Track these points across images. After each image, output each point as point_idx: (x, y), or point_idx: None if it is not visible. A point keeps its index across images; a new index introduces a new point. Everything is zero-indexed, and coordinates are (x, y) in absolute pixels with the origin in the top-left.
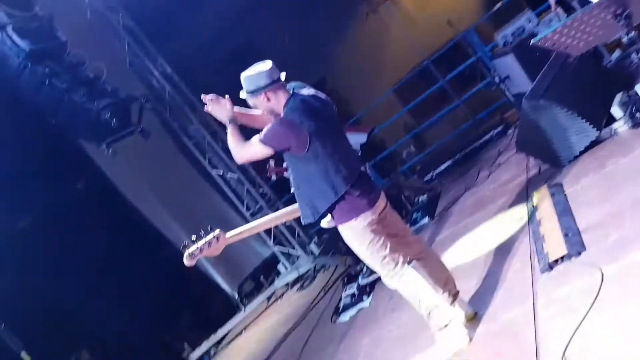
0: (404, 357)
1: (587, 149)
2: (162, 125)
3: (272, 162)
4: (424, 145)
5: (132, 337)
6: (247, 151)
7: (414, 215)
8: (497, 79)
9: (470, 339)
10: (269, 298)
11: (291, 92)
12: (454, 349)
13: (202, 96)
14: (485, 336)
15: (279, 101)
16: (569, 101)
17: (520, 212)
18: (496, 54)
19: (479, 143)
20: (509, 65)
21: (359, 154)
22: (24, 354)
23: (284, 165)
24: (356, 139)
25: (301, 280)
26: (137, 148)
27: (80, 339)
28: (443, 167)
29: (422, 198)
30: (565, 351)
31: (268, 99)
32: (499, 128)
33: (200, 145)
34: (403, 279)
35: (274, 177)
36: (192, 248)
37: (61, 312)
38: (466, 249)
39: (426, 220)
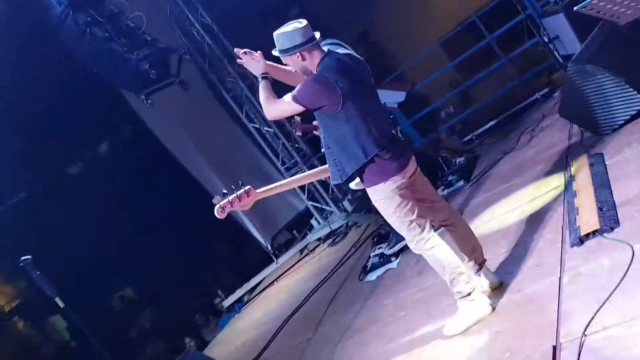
0: (426, 321)
1: (632, 118)
2: (200, 77)
3: (297, 118)
4: (466, 104)
5: (171, 278)
6: (278, 108)
7: (450, 178)
8: (545, 39)
9: (493, 309)
10: (301, 251)
11: (326, 51)
12: (475, 318)
13: (236, 50)
14: (508, 306)
15: (312, 60)
16: (616, 67)
17: (557, 181)
18: (546, 12)
19: (523, 105)
20: (559, 25)
21: (393, 116)
22: (58, 300)
23: (314, 123)
24: (394, 97)
25: (333, 236)
26: (176, 99)
27: (124, 278)
28: (484, 128)
29: (460, 160)
30: (586, 329)
31: (302, 58)
32: (545, 90)
33: (238, 98)
34: (428, 245)
35: (299, 133)
36: (223, 201)
37: (107, 253)
38: (499, 216)
39: (462, 183)
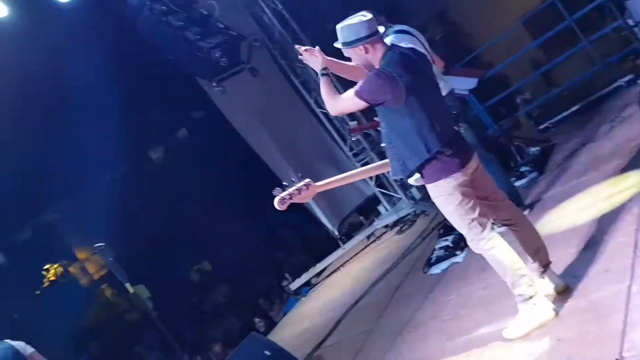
0: (487, 321)
1: None
2: (271, 63)
3: (352, 123)
4: (544, 89)
5: (244, 258)
6: (340, 104)
7: (523, 169)
8: (630, 22)
9: (556, 314)
10: (368, 237)
11: (389, 44)
12: (537, 323)
13: (296, 47)
14: (571, 312)
15: (376, 54)
16: None
17: (635, 179)
18: None
19: (605, 92)
20: None
21: (455, 111)
22: (129, 286)
23: (375, 119)
24: (465, 83)
25: (400, 224)
26: (247, 85)
27: (202, 252)
28: (561, 115)
29: (534, 150)
30: None
31: (366, 51)
32: (629, 77)
33: (308, 84)
34: (489, 245)
35: (358, 136)
36: (283, 194)
37: (186, 230)
38: (570, 214)
39: (535, 175)
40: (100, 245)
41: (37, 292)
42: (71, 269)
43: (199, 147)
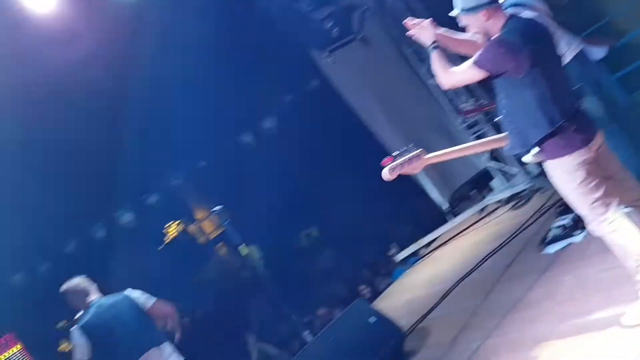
0: (604, 305)
1: None
2: (382, 33)
3: (463, 105)
4: None
5: (351, 225)
6: (454, 77)
7: None
8: None
9: None
10: (479, 212)
11: (509, 15)
12: None
13: (404, 22)
14: None
15: (496, 22)
16: None
17: None
18: None
19: None
20: None
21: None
22: (242, 248)
23: (496, 90)
24: (594, 53)
25: (515, 200)
26: (358, 55)
27: (311, 218)
28: None
29: None
30: None
31: (487, 18)
32: None
33: (419, 54)
34: (611, 227)
35: (467, 118)
36: (393, 164)
37: (295, 196)
38: None
39: None
40: (218, 208)
41: (159, 248)
42: (190, 228)
43: (308, 117)
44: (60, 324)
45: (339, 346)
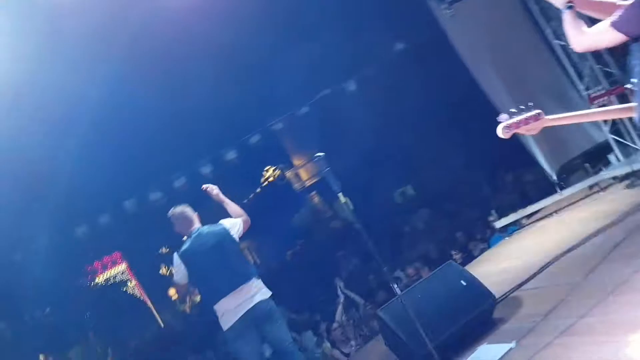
0: None
1: None
2: None
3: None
4: None
5: (450, 186)
6: (589, 38)
7: None
8: None
9: None
10: (590, 187)
11: None
12: None
13: None
14: None
15: None
16: None
17: None
18: None
19: None
20: None
21: None
22: (341, 196)
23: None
24: None
25: (632, 177)
26: (479, 10)
27: (408, 176)
28: None
29: None
30: None
31: None
32: None
33: (547, 12)
34: None
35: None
36: (509, 121)
37: (394, 151)
38: None
39: None
40: (319, 155)
41: (257, 189)
42: (287, 174)
43: (417, 68)
44: (163, 250)
45: (426, 304)
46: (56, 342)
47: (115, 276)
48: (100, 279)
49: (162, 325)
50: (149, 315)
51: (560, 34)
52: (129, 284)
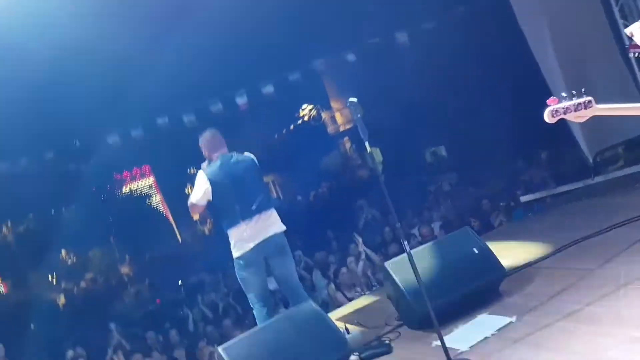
0: None
1: None
2: None
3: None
4: None
5: (482, 152)
6: None
7: None
8: None
9: None
10: (627, 177)
11: None
12: None
13: None
14: None
15: None
16: None
17: None
18: None
19: None
20: None
21: None
22: (367, 145)
23: None
24: None
25: None
26: None
27: (443, 136)
28: None
29: None
30: None
31: None
32: None
33: None
34: None
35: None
36: (558, 105)
37: (433, 108)
38: None
39: None
40: (352, 101)
41: (291, 126)
42: (323, 115)
43: (473, 33)
44: (190, 170)
45: (434, 265)
46: (78, 241)
47: (142, 188)
48: (126, 188)
49: (180, 241)
50: (169, 230)
51: (627, 13)
52: (153, 198)
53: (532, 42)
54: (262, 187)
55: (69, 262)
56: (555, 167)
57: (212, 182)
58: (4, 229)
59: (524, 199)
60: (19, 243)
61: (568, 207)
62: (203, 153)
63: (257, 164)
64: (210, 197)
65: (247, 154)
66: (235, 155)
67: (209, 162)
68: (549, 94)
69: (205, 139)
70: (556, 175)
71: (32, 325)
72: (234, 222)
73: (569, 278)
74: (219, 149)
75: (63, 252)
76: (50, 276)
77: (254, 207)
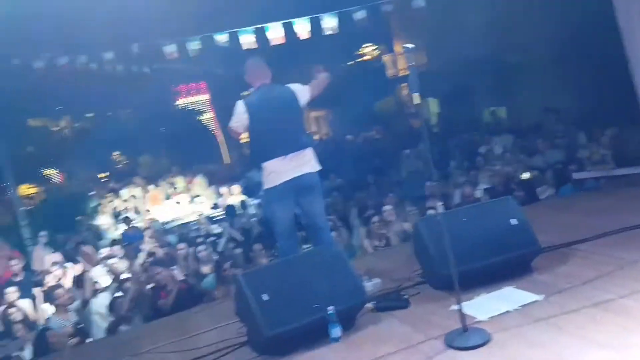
0: None
1: None
2: None
3: None
4: None
5: (544, 120)
6: None
7: None
8: None
9: None
10: None
11: None
12: None
13: None
14: None
15: None
16: None
17: None
18: None
19: None
20: None
21: None
22: (415, 96)
23: None
24: None
25: None
26: None
27: (505, 98)
28: None
29: None
30: None
31: None
32: None
33: None
34: None
35: None
36: None
37: (499, 66)
38: None
39: None
40: (408, 46)
41: (350, 62)
42: (385, 57)
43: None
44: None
45: (467, 229)
46: (131, 144)
47: (197, 104)
48: (182, 101)
49: (227, 161)
50: (216, 148)
51: None
52: (205, 114)
53: (620, 14)
54: (301, 124)
55: (120, 164)
56: (618, 148)
57: (250, 113)
58: (63, 123)
59: (577, 175)
60: (76, 139)
61: (623, 191)
62: (246, 80)
63: (298, 99)
64: (243, 127)
65: (290, 86)
66: (279, 88)
67: (252, 91)
68: (627, 72)
69: (252, 64)
70: (617, 156)
71: (78, 217)
72: (268, 156)
73: (607, 266)
74: (263, 78)
75: (115, 153)
76: (101, 174)
77: (289, 143)
